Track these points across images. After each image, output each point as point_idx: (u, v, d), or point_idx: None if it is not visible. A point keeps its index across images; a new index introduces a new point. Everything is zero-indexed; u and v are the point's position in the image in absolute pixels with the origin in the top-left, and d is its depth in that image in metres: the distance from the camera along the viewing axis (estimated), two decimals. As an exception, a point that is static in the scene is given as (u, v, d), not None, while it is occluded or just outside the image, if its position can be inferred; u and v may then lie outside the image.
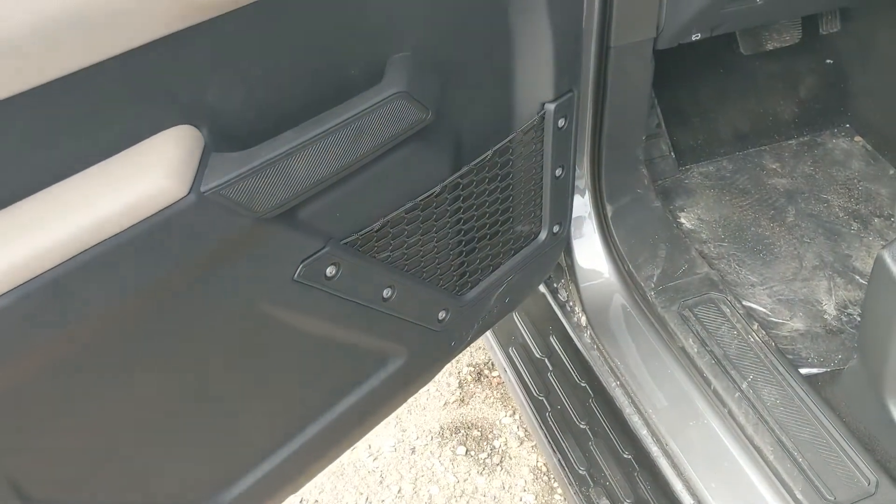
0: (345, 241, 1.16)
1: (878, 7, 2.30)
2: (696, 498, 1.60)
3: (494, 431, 2.43)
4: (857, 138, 2.43)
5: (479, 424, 2.45)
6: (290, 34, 0.99)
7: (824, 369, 1.79)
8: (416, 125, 1.12)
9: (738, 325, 1.77)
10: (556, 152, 1.44)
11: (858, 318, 1.89)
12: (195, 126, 0.94)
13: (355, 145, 1.06)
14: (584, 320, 1.95)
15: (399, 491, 2.30)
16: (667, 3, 1.81)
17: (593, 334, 1.91)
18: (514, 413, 2.47)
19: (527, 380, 2.10)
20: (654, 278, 1.90)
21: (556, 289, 2.04)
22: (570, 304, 2.00)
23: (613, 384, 1.84)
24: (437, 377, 2.56)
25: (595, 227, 1.99)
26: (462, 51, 1.22)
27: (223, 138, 0.97)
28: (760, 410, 1.60)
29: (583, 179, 1.98)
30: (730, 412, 1.63)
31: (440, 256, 1.36)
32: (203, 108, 0.94)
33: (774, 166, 2.36)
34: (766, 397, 1.63)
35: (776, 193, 2.26)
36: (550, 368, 2.08)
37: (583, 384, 1.99)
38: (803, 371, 1.73)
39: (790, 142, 2.44)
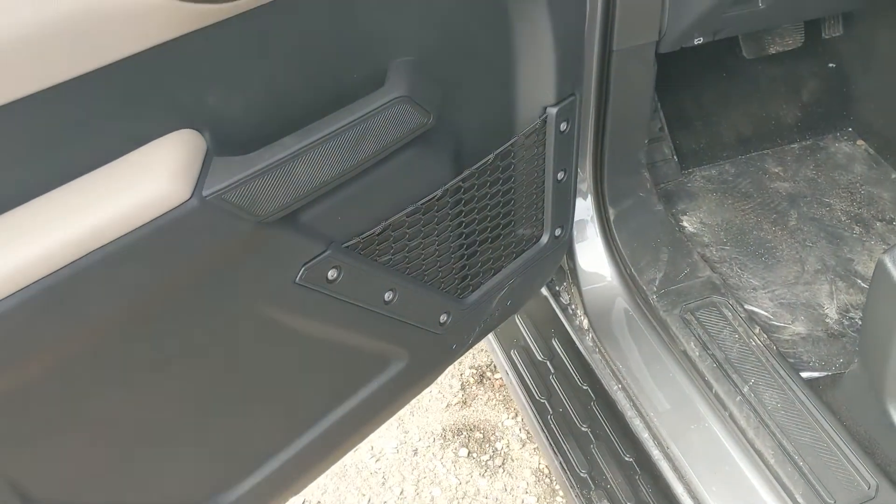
0: (346, 244, 1.16)
1: (880, 11, 2.30)
2: (697, 501, 1.60)
3: (496, 433, 2.43)
4: (860, 142, 2.43)
5: (482, 426, 2.45)
6: (292, 39, 0.99)
7: (825, 373, 1.79)
8: (417, 129, 1.13)
9: (740, 329, 1.78)
10: (557, 156, 1.44)
11: (860, 322, 1.89)
12: (198, 130, 0.94)
13: (357, 149, 1.06)
14: (585, 323, 1.95)
15: (401, 492, 2.30)
16: (669, 7, 1.81)
17: (595, 337, 1.92)
18: (516, 415, 2.47)
19: (529, 382, 2.10)
20: (656, 282, 1.90)
21: (559, 292, 2.05)
22: (573, 306, 2.01)
23: (615, 387, 1.84)
24: (440, 379, 2.56)
25: (597, 230, 1.99)
26: (464, 55, 1.22)
27: (225, 142, 0.97)
28: (761, 414, 1.61)
29: (585, 183, 1.99)
30: (731, 416, 1.63)
31: (442, 260, 1.37)
32: (205, 112, 0.95)
33: (777, 170, 2.36)
34: (768, 401, 1.63)
35: (778, 197, 2.26)
36: (552, 371, 2.08)
37: (584, 387, 1.99)
38: (804, 375, 1.74)
39: (793, 145, 2.44)
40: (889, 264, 1.41)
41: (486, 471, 2.34)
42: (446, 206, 1.31)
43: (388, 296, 1.28)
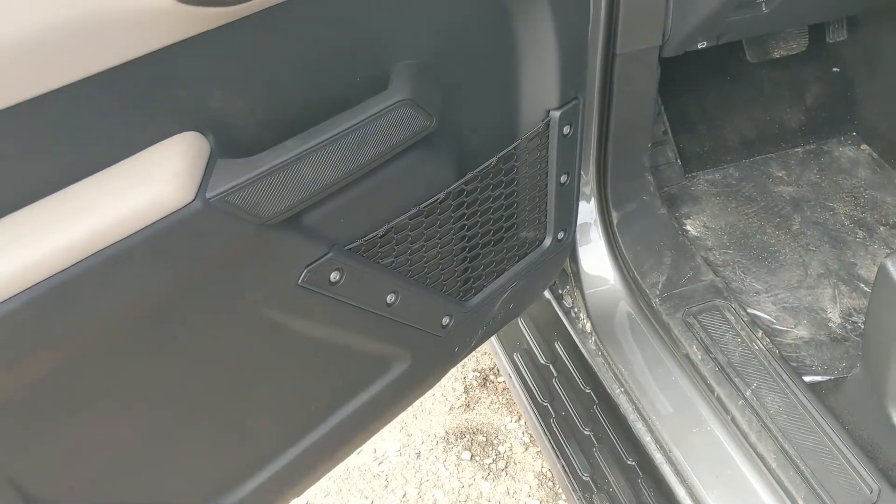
0: (349, 246, 1.17)
1: (884, 16, 2.31)
2: (699, 505, 1.60)
3: (499, 437, 2.43)
4: (864, 146, 2.43)
5: (485, 430, 2.46)
6: (295, 42, 1.00)
7: (828, 377, 1.79)
8: (420, 132, 1.13)
9: (743, 333, 1.78)
10: (561, 159, 1.45)
11: (862, 327, 1.89)
12: (201, 133, 0.95)
13: (360, 152, 1.06)
14: (588, 326, 1.96)
15: (404, 495, 2.31)
16: (673, 12, 1.81)
17: (598, 340, 1.92)
18: (519, 419, 2.47)
19: (531, 385, 2.10)
20: (659, 285, 1.90)
21: (562, 295, 2.05)
22: (575, 310, 2.01)
23: (618, 390, 1.84)
24: (443, 382, 2.57)
25: (600, 233, 2.00)
26: (466, 58, 1.22)
27: (229, 145, 0.97)
28: (763, 418, 1.61)
29: (588, 186, 1.99)
30: (733, 419, 1.63)
31: (444, 262, 1.37)
32: (209, 114, 0.95)
33: (780, 174, 2.36)
34: (770, 405, 1.63)
35: (782, 201, 2.26)
36: (555, 374, 2.09)
37: (587, 390, 1.99)
38: (807, 379, 1.74)
39: (796, 150, 2.44)
40: (891, 269, 1.41)
41: (488, 474, 2.34)
42: (449, 209, 1.31)
43: (390, 298, 1.28)
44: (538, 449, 2.38)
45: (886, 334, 1.46)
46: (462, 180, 1.30)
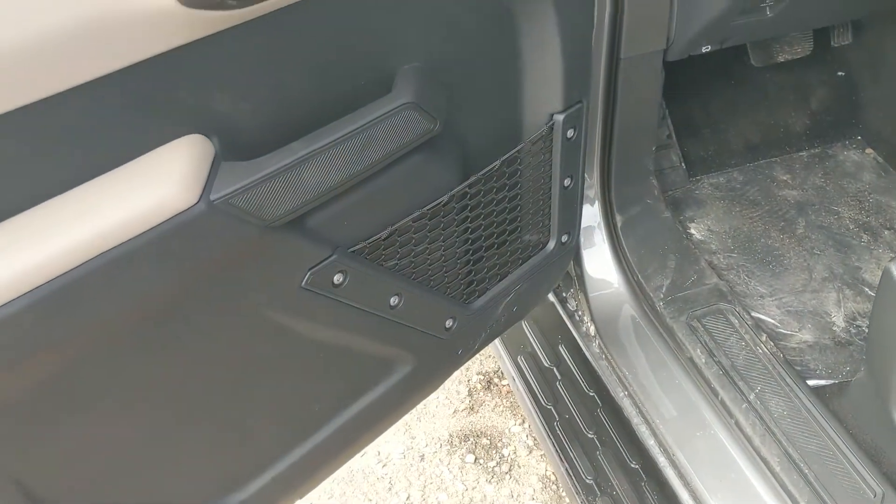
0: (352, 249, 1.17)
1: (889, 20, 2.31)
2: (703, 508, 1.60)
3: (503, 440, 2.43)
4: (868, 150, 2.43)
5: (489, 433, 2.46)
6: (299, 45, 1.00)
7: (832, 381, 1.79)
8: (424, 135, 1.13)
9: (747, 336, 1.78)
10: (564, 162, 1.45)
11: (867, 331, 1.89)
12: (206, 135, 0.95)
13: (363, 155, 1.07)
14: (592, 330, 1.96)
15: (408, 498, 2.31)
16: (677, 16, 1.81)
17: (602, 344, 1.92)
18: (523, 422, 2.47)
19: (535, 388, 2.10)
20: (664, 288, 1.90)
21: (566, 298, 2.05)
22: (579, 313, 2.01)
23: (621, 394, 1.84)
24: (447, 385, 2.57)
25: (605, 236, 2.00)
26: (471, 61, 1.23)
27: (233, 147, 0.98)
28: (767, 422, 1.61)
29: (593, 189, 1.99)
30: (737, 423, 1.63)
31: (448, 265, 1.37)
32: (214, 117, 0.96)
33: (785, 178, 2.36)
34: (774, 409, 1.63)
35: (786, 205, 2.26)
36: (559, 377, 2.09)
37: (591, 393, 1.99)
38: (811, 383, 1.73)
39: (801, 153, 2.44)
40: (895, 273, 1.41)
41: (492, 477, 2.34)
42: (452, 212, 1.32)
43: (393, 300, 1.28)
44: (542, 452, 2.38)
45: (890, 338, 1.46)
46: (465, 183, 1.30)
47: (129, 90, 0.87)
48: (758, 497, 1.56)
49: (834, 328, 1.91)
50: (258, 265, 1.05)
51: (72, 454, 1.04)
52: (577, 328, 1.99)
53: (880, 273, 1.56)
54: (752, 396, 1.65)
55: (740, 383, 1.68)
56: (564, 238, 1.59)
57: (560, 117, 1.37)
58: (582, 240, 1.96)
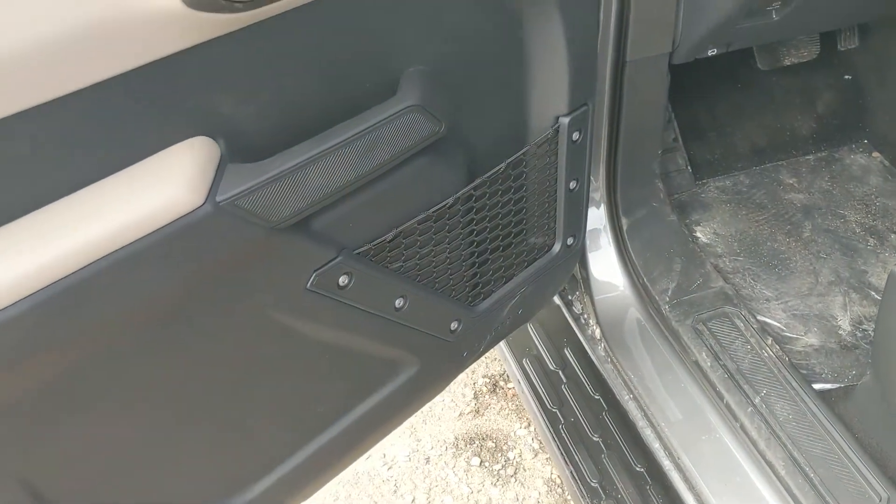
0: (358, 251, 1.17)
1: (896, 23, 2.31)
2: (708, 512, 1.60)
3: (509, 443, 2.43)
4: (875, 154, 2.43)
5: (494, 436, 2.46)
6: (305, 48, 1.01)
7: (838, 385, 1.79)
8: (429, 138, 1.13)
9: (752, 340, 1.77)
10: (570, 165, 1.45)
11: (873, 335, 1.88)
12: (212, 137, 0.96)
13: (369, 157, 1.07)
14: (598, 333, 1.96)
15: (413, 500, 2.31)
16: (682, 19, 1.81)
17: (607, 347, 1.92)
18: (528, 425, 2.47)
19: (540, 391, 2.10)
20: (669, 292, 1.90)
21: (571, 301, 2.05)
22: (585, 316, 2.01)
23: (627, 397, 1.84)
24: (452, 388, 2.57)
25: (610, 239, 2.00)
26: (476, 64, 1.23)
27: (240, 149, 0.98)
28: (773, 425, 1.60)
29: (598, 192, 1.99)
30: (742, 426, 1.63)
31: (453, 267, 1.37)
32: (220, 120, 0.96)
33: (791, 181, 2.36)
34: (779, 412, 1.63)
35: (793, 209, 2.26)
36: (564, 381, 2.09)
37: (596, 397, 1.99)
38: (817, 386, 1.73)
39: (807, 157, 2.44)
40: (901, 276, 1.41)
41: (497, 480, 2.34)
42: (458, 214, 1.32)
43: (398, 302, 1.28)
44: (547, 455, 2.38)
45: (896, 342, 1.46)
46: (471, 185, 1.31)
47: (136, 92, 0.88)
48: (763, 501, 1.56)
49: (840, 332, 1.91)
50: (264, 266, 1.06)
51: (79, 455, 1.05)
52: (583, 331, 1.99)
53: (886, 277, 1.56)
54: (757, 400, 1.65)
55: (746, 387, 1.68)
56: (570, 241, 1.59)
57: (565, 120, 1.37)
58: (587, 242, 1.96)
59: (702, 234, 2.18)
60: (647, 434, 1.77)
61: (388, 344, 1.34)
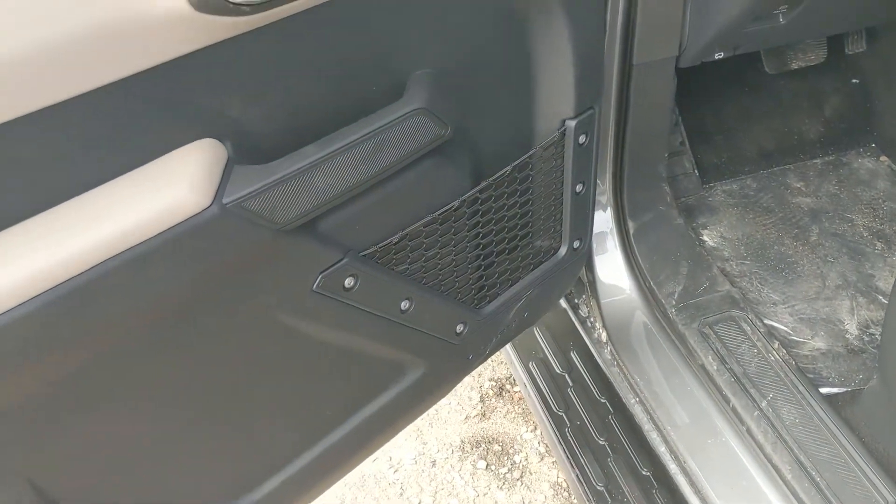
0: (364, 253, 1.17)
1: (904, 27, 2.30)
2: (714, 516, 1.60)
3: (515, 446, 2.43)
4: (883, 158, 2.42)
5: (500, 439, 2.46)
6: (312, 50, 1.01)
7: (844, 389, 1.78)
8: (435, 141, 1.14)
9: (759, 344, 1.77)
10: (576, 168, 1.45)
11: (880, 339, 1.88)
12: (219, 139, 0.96)
13: (375, 160, 1.07)
14: (604, 336, 1.96)
15: (419, 503, 2.31)
16: (689, 22, 1.82)
17: (613, 350, 1.92)
18: (535, 428, 2.47)
19: (547, 395, 2.10)
20: (676, 295, 1.90)
21: (577, 304, 2.05)
22: (591, 319, 2.01)
23: (633, 400, 1.84)
24: (459, 391, 2.57)
25: (617, 243, 2.00)
26: (482, 67, 1.23)
27: (246, 151, 0.99)
28: (779, 429, 1.60)
29: (605, 195, 1.99)
30: (748, 430, 1.63)
31: (459, 270, 1.37)
32: (227, 122, 0.96)
33: (799, 185, 2.35)
34: (786, 416, 1.62)
35: (800, 212, 2.26)
36: (570, 384, 2.08)
37: (602, 400, 1.99)
38: (823, 390, 1.73)
39: (815, 161, 2.44)
40: (908, 280, 1.40)
41: (504, 483, 2.34)
42: (464, 217, 1.32)
43: (404, 305, 1.28)
44: (553, 458, 2.38)
45: (903, 346, 1.45)
46: (477, 188, 1.31)
47: (144, 95, 0.88)
48: (769, 505, 1.56)
49: (847, 336, 1.91)
50: (270, 268, 1.06)
51: (85, 455, 1.05)
52: (589, 334, 1.99)
53: (893, 281, 1.56)
54: (763, 404, 1.65)
55: (752, 391, 1.67)
56: (576, 244, 1.59)
57: (572, 123, 1.37)
58: (594, 246, 1.96)
59: (708, 238, 2.18)
60: (654, 437, 1.76)
61: (393, 346, 1.34)
